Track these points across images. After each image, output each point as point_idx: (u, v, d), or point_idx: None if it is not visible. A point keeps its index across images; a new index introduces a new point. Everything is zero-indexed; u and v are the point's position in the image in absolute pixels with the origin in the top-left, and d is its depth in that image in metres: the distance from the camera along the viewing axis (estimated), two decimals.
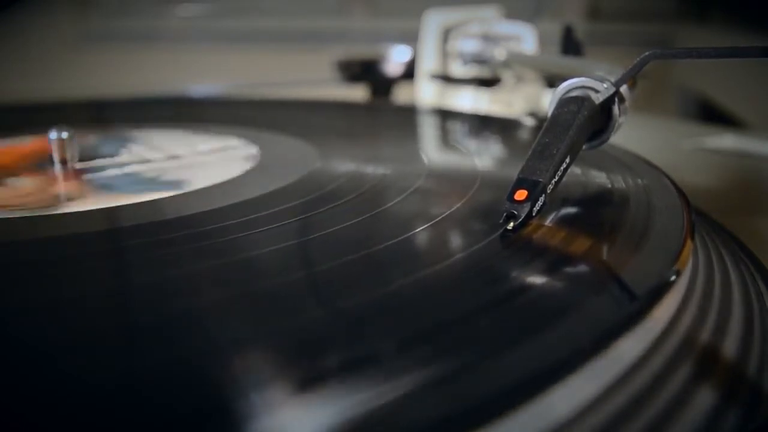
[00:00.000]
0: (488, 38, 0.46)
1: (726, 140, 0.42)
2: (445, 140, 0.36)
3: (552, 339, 0.13)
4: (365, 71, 0.58)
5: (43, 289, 0.16)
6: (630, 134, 0.28)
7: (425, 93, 0.50)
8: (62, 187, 0.25)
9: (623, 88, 0.22)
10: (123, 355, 0.13)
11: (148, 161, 0.28)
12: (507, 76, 0.47)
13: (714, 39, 0.71)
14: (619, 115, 0.22)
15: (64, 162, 0.28)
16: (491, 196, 0.22)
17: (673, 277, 0.16)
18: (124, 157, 0.29)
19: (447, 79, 0.48)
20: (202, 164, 0.28)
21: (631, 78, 0.21)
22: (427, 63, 0.49)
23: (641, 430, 0.12)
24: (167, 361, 0.12)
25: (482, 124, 0.38)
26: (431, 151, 0.32)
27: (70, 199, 0.24)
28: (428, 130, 0.38)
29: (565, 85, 0.22)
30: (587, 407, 0.12)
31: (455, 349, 0.13)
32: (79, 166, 0.28)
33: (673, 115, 0.77)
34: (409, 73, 0.55)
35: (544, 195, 0.19)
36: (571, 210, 0.21)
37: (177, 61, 0.88)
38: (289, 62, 0.79)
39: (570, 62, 0.34)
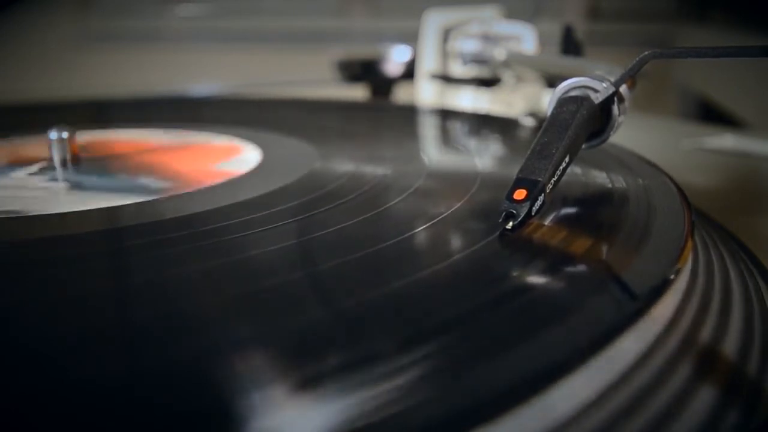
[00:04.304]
0: (488, 38, 0.46)
1: (726, 140, 0.42)
2: (445, 140, 0.36)
3: (552, 338, 0.13)
4: (365, 71, 0.58)
5: (43, 289, 0.16)
6: (630, 134, 0.28)
7: (425, 93, 0.50)
8: None
9: (622, 88, 0.22)
10: (123, 355, 0.13)
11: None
12: (507, 76, 0.47)
13: (714, 39, 0.71)
14: (619, 115, 0.22)
15: (64, 163, 0.28)
16: (491, 195, 0.22)
17: (673, 277, 0.16)
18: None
19: (447, 79, 0.48)
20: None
21: (631, 78, 0.21)
22: (427, 63, 0.49)
23: (641, 429, 0.12)
24: (167, 361, 0.12)
25: (482, 124, 0.38)
26: (431, 151, 0.32)
27: None
28: (428, 130, 0.38)
29: (564, 85, 0.22)
30: (587, 407, 0.12)
31: (455, 349, 0.13)
32: None
33: (673, 115, 0.77)
34: (409, 73, 0.55)
35: (543, 194, 0.19)
36: (571, 210, 0.21)
37: (177, 61, 0.89)
38: (289, 62, 0.79)
39: (570, 62, 0.34)
